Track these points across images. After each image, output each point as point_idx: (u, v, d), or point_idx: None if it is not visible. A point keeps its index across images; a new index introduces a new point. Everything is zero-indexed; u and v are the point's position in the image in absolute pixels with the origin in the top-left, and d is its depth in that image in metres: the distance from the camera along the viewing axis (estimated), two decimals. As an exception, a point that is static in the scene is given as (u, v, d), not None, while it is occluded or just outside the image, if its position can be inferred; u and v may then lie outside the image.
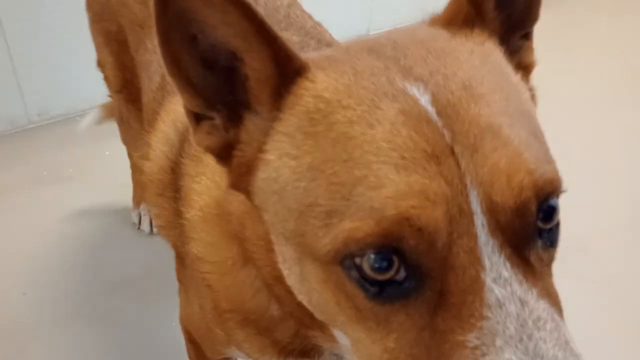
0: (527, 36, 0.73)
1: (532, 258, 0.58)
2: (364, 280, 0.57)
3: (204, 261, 0.84)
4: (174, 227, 0.93)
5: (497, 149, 0.55)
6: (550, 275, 0.61)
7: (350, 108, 0.58)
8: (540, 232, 0.59)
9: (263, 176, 0.64)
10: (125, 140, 1.64)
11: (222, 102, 0.65)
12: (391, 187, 0.54)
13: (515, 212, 0.55)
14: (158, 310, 1.51)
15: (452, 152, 0.55)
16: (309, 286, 0.63)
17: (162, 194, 0.96)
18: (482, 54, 0.64)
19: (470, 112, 0.57)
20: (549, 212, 0.59)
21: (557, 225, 0.61)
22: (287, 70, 0.62)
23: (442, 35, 0.66)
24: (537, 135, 0.61)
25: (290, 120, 0.62)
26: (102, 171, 1.94)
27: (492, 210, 0.55)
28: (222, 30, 0.60)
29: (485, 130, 0.56)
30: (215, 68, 0.63)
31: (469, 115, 0.57)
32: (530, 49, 0.73)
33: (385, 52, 0.62)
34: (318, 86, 0.61)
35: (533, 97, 0.70)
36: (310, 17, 1.19)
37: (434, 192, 0.54)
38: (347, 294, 0.59)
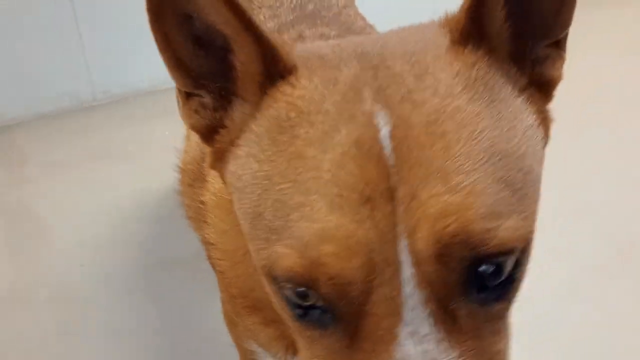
0: (558, 45, 0.65)
1: (462, 313, 0.54)
2: (290, 301, 0.57)
3: (217, 248, 0.84)
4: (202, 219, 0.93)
5: (437, 196, 0.51)
6: (495, 332, 0.57)
7: (314, 125, 0.56)
8: (482, 286, 0.54)
9: (232, 169, 0.63)
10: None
11: (214, 82, 0.64)
12: (319, 225, 0.52)
13: (436, 260, 0.51)
14: (208, 291, 1.54)
15: (393, 197, 0.51)
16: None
17: (192, 184, 0.96)
18: (467, 78, 0.58)
19: (424, 152, 0.53)
20: (497, 267, 0.54)
21: (513, 279, 0.56)
22: (272, 71, 0.59)
23: (437, 46, 0.60)
24: (509, 182, 0.55)
25: (263, 121, 0.60)
26: (161, 151, 1.98)
27: (419, 261, 0.51)
28: (214, 17, 0.59)
29: (432, 175, 0.52)
30: (211, 48, 0.62)
31: (422, 156, 0.52)
32: (558, 60, 0.65)
33: (371, 60, 0.59)
34: (296, 92, 0.58)
35: (544, 121, 0.63)
36: (362, 18, 1.17)
37: (357, 240, 0.51)
38: (283, 308, 0.59)
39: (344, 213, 0.51)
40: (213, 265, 0.88)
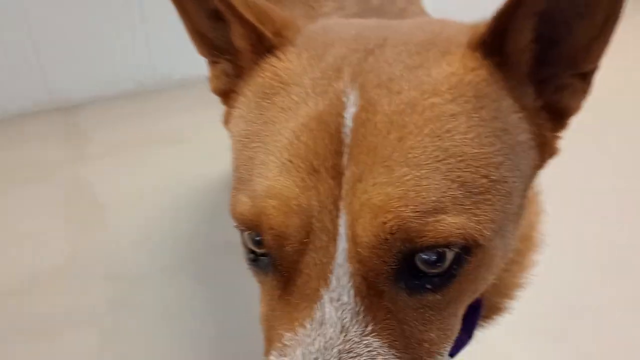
0: (584, 77, 0.64)
1: (389, 295, 0.57)
2: (246, 246, 0.63)
3: None
4: None
5: (381, 185, 0.54)
6: (425, 322, 0.59)
7: (290, 95, 0.60)
8: (416, 273, 0.57)
9: (230, 128, 0.70)
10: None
11: (228, 53, 0.70)
12: (269, 182, 0.58)
13: (373, 250, 0.55)
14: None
15: (340, 174, 0.55)
16: None
17: None
18: (460, 80, 0.58)
19: (378, 139, 0.55)
20: (435, 258, 0.56)
21: (451, 275, 0.58)
22: (258, 47, 0.66)
23: (450, 44, 0.61)
24: (466, 184, 0.56)
25: (252, 87, 0.66)
26: (217, 137, 2.01)
27: (354, 240, 0.55)
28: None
29: (378, 163, 0.55)
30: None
31: (376, 142, 0.55)
32: (580, 92, 0.64)
33: (368, 43, 0.62)
34: (281, 64, 0.64)
35: (542, 146, 0.63)
36: (427, 15, 1.17)
37: (298, 202, 0.56)
38: (244, 253, 0.65)
39: (291, 177, 0.57)
40: None
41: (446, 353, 0.63)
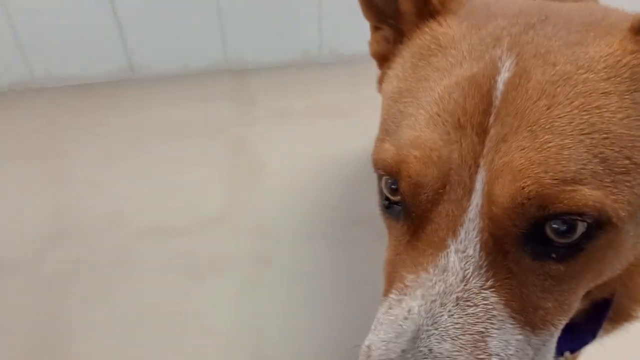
0: None
1: (514, 257, 0.58)
2: (382, 192, 0.66)
3: None
4: None
5: (524, 149, 0.55)
6: (544, 290, 0.58)
7: (446, 57, 0.63)
8: (544, 240, 0.57)
9: (383, 87, 0.73)
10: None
11: (393, 19, 0.75)
12: (415, 133, 0.60)
13: (507, 211, 0.56)
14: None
15: (485, 132, 0.56)
16: None
17: None
18: (617, 61, 0.58)
19: (527, 105, 0.56)
20: (566, 228, 0.56)
21: (580, 248, 0.57)
22: (423, 11, 0.69)
23: (612, 27, 0.60)
24: (607, 161, 0.55)
25: (411, 49, 0.70)
26: (374, 116, 2.05)
27: (490, 198, 0.56)
28: None
29: (524, 127, 0.56)
30: None
31: (524, 107, 0.56)
32: None
33: (530, 19, 0.62)
34: (440, 29, 0.67)
35: None
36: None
37: (439, 154, 0.58)
38: (379, 200, 0.69)
39: (437, 130, 0.59)
40: None
41: (560, 328, 0.63)
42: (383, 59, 0.77)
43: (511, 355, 0.58)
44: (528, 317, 0.59)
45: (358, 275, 1.61)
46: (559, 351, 0.69)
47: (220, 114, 2.06)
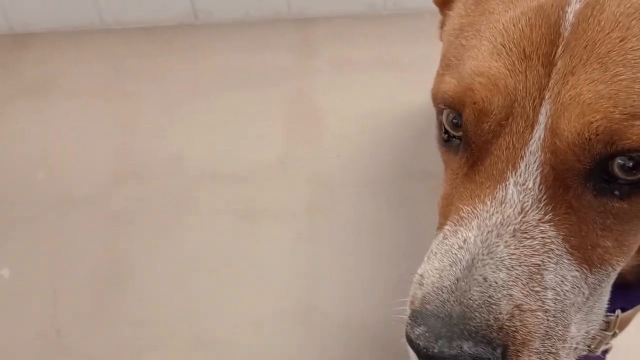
0: None
1: (575, 192, 0.56)
2: (442, 126, 0.66)
3: None
4: None
5: (593, 82, 0.53)
6: (604, 228, 0.56)
7: None
8: (608, 178, 0.56)
9: (444, 28, 0.73)
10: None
11: None
12: (479, 63, 0.59)
13: (572, 146, 0.54)
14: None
15: (552, 64, 0.54)
16: None
17: None
18: None
19: (599, 36, 0.54)
20: (632, 164, 0.54)
21: None
22: None
23: None
24: None
25: None
26: (432, 69, 2.02)
27: (554, 131, 0.55)
28: None
29: (594, 59, 0.54)
30: None
31: (595, 39, 0.54)
32: None
33: None
34: None
35: None
36: None
37: (505, 84, 0.56)
38: (437, 134, 0.68)
39: (501, 60, 0.58)
40: None
41: (617, 269, 0.62)
42: (444, 4, 0.76)
43: (567, 291, 0.57)
44: (586, 255, 0.58)
45: (414, 230, 1.62)
46: (611, 308, 0.68)
47: (281, 63, 2.07)
